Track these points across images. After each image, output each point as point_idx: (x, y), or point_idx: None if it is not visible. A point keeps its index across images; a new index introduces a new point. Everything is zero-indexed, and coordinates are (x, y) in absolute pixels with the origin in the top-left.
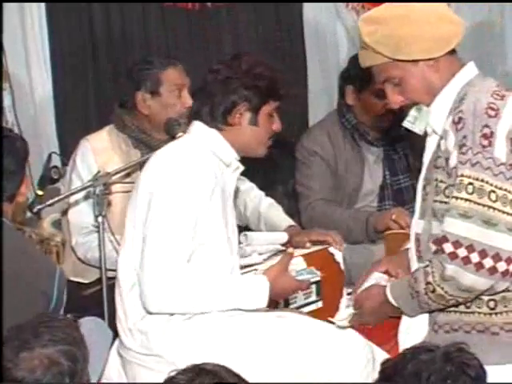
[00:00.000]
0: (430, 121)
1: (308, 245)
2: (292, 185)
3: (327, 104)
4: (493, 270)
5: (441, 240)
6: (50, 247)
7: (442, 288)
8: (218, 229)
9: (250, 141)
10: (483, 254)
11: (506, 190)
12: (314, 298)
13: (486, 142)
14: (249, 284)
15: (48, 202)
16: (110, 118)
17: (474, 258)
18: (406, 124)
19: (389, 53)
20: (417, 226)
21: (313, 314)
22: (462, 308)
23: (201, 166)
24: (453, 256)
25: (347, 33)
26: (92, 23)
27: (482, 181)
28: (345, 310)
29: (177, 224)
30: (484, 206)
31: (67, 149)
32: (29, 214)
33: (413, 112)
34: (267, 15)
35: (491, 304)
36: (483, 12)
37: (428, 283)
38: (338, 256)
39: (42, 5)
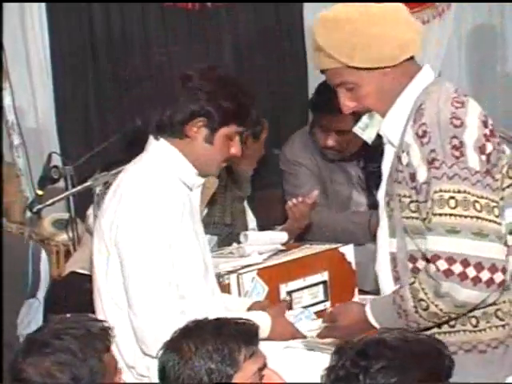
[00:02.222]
0: (385, 131)
1: (317, 245)
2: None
3: None
4: (490, 282)
5: (432, 258)
6: (50, 247)
7: (437, 305)
8: (193, 251)
9: (201, 158)
10: (479, 267)
11: (487, 198)
12: (321, 297)
13: (457, 153)
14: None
15: (48, 202)
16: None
17: (471, 272)
18: (355, 130)
19: (343, 59)
20: (390, 245)
21: (321, 314)
22: (445, 328)
23: (168, 197)
24: (448, 273)
25: None
26: (92, 23)
27: (464, 192)
28: (314, 322)
29: (156, 262)
30: (472, 217)
31: (67, 149)
32: (29, 214)
33: (365, 118)
34: (267, 15)
35: (473, 321)
36: (483, 12)
37: (420, 300)
38: (350, 255)
39: (42, 5)
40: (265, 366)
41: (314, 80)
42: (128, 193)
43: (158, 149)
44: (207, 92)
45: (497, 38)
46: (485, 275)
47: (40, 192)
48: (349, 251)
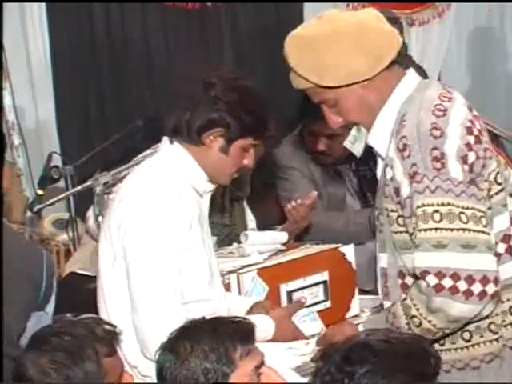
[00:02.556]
0: (372, 143)
1: (317, 245)
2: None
3: None
4: (483, 295)
5: (421, 274)
6: (50, 247)
7: (430, 321)
8: (200, 257)
9: (214, 167)
10: (470, 279)
11: (472, 208)
12: (321, 297)
13: (438, 165)
14: (256, 322)
15: (48, 202)
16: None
17: (462, 285)
18: (346, 144)
19: (315, 80)
20: (380, 260)
21: (322, 313)
22: (436, 347)
23: (178, 202)
24: (439, 288)
25: None
26: (92, 23)
27: (449, 204)
28: (308, 346)
29: (163, 267)
30: (458, 230)
31: (67, 149)
32: (29, 214)
33: (353, 131)
34: (267, 15)
35: (466, 336)
36: (483, 13)
37: (412, 317)
38: (350, 255)
39: (43, 5)
40: (262, 363)
41: None
42: (138, 196)
43: (171, 153)
44: (229, 102)
45: (497, 38)
46: (477, 288)
47: (40, 192)
48: (349, 251)
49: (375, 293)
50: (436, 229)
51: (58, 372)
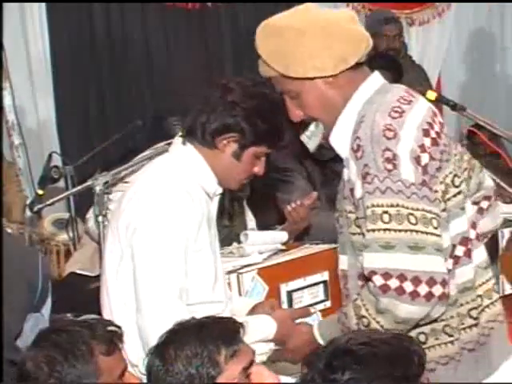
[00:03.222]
0: (333, 144)
1: (317, 245)
2: None
3: None
4: (429, 296)
5: (369, 274)
6: (50, 247)
7: (378, 322)
8: (206, 259)
9: (225, 171)
10: (416, 281)
11: (423, 209)
12: (321, 297)
13: (390, 166)
14: (256, 323)
15: (48, 202)
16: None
17: (408, 286)
18: (302, 138)
19: (280, 69)
20: (341, 262)
21: (322, 313)
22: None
23: (188, 204)
24: (385, 288)
25: None
26: (92, 23)
27: (398, 206)
28: (265, 345)
29: (170, 268)
30: (406, 231)
31: (67, 149)
32: (29, 214)
33: (312, 127)
34: (267, 15)
35: (422, 337)
36: (483, 13)
37: (362, 317)
38: None
39: (43, 5)
40: (251, 363)
41: None
42: (148, 196)
43: (183, 153)
44: (246, 109)
45: (497, 38)
46: (423, 289)
47: (40, 192)
48: None
49: None
50: (385, 229)
51: (50, 367)
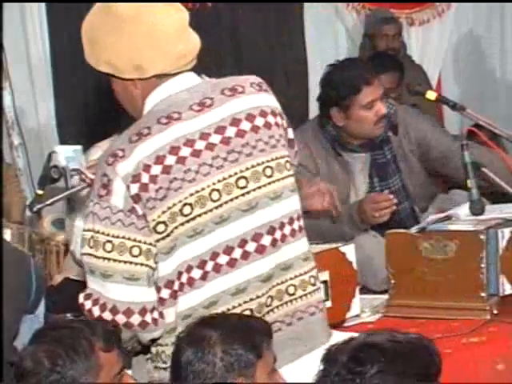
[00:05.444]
0: None
1: (317, 245)
2: None
3: None
4: (114, 323)
5: (86, 294)
6: (50, 247)
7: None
8: None
9: None
10: (103, 307)
11: (123, 237)
12: None
13: (103, 192)
14: None
15: (48, 202)
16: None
17: (96, 311)
18: None
19: (92, 61)
20: None
21: None
22: (149, 365)
23: None
24: (82, 307)
25: (347, 33)
26: None
27: (98, 232)
28: None
29: None
30: (99, 258)
31: None
32: (29, 214)
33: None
34: (267, 15)
35: (163, 357)
36: (483, 13)
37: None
38: (350, 255)
39: (42, 5)
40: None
41: (315, 78)
42: None
43: None
44: None
45: (496, 38)
46: (107, 316)
47: (40, 192)
48: (350, 251)
49: (375, 292)
50: (89, 254)
51: (51, 361)
